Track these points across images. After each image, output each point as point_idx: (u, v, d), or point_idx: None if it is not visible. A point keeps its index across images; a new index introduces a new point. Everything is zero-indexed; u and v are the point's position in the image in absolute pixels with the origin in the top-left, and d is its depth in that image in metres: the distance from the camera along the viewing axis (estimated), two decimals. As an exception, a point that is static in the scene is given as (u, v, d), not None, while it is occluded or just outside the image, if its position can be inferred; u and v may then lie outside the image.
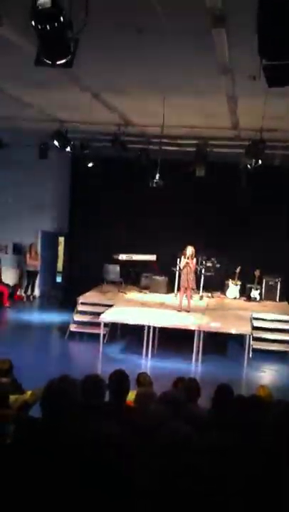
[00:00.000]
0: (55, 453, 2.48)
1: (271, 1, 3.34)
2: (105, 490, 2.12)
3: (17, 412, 4.64)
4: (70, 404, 3.01)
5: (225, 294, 14.35)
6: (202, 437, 2.62)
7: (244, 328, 11.00)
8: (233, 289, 14.17)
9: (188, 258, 12.18)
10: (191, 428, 2.48)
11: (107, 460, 2.20)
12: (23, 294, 16.12)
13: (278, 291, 13.90)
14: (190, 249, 12.20)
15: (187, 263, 12.18)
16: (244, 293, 14.16)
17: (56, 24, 3.65)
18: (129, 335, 11.75)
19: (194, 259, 12.39)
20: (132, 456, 2.32)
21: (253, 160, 10.61)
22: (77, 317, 12.49)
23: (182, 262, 12.36)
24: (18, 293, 16.13)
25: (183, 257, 12.32)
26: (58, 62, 3.97)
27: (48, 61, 3.98)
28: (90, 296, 13.18)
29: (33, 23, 3.69)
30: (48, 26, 3.64)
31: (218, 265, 13.94)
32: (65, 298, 15.13)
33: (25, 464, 2.44)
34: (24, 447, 2.61)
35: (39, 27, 3.67)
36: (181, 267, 12.41)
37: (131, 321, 11.20)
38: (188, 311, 12.01)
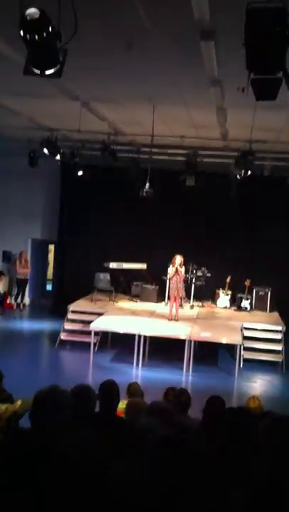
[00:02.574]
0: (42, 464, 2.46)
1: (259, 15, 3.38)
2: (89, 502, 2.11)
3: (6, 423, 4.60)
4: (59, 414, 2.99)
5: (215, 304, 14.36)
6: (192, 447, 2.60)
7: (235, 338, 11.00)
8: (224, 298, 14.19)
9: (176, 267, 12.19)
10: (182, 436, 2.47)
11: (90, 472, 2.19)
12: (13, 302, 16.05)
13: (268, 301, 13.91)
14: (179, 258, 12.20)
15: (176, 272, 12.19)
16: (234, 302, 14.18)
17: (45, 34, 3.65)
18: (120, 344, 11.71)
19: (183, 268, 12.38)
20: (114, 467, 2.31)
21: (243, 170, 10.67)
22: (67, 325, 12.44)
23: (171, 270, 12.35)
24: (8, 301, 16.06)
25: (172, 265, 12.32)
26: (47, 72, 3.97)
27: (36, 71, 3.98)
28: (80, 305, 13.14)
29: (21, 33, 3.69)
30: (36, 36, 3.64)
31: (208, 274, 13.95)
32: (55, 306, 15.07)
33: (11, 475, 2.41)
34: (11, 458, 2.58)
35: (27, 37, 3.67)
36: (170, 276, 12.41)
37: (121, 330, 11.16)
38: (177, 320, 12.00)
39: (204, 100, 8.03)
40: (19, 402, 5.02)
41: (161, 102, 8.61)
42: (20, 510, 2.27)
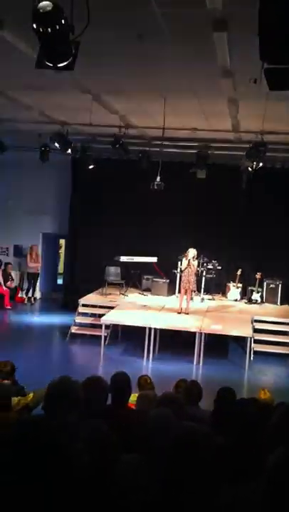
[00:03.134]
0: (55, 454, 2.46)
1: (273, 4, 3.35)
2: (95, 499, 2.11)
3: (18, 415, 4.64)
4: (71, 405, 3.00)
5: (226, 297, 14.33)
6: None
7: (245, 331, 10.99)
8: (234, 291, 14.16)
9: (189, 260, 12.17)
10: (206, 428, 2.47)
11: (97, 467, 2.19)
12: (24, 296, 16.13)
13: (279, 294, 13.87)
14: (192, 252, 12.19)
15: (188, 265, 12.17)
16: (245, 295, 14.15)
17: (57, 27, 3.65)
18: (130, 337, 11.75)
19: (196, 262, 12.37)
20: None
21: (254, 162, 10.62)
22: (78, 319, 12.50)
23: (183, 263, 12.34)
24: (19, 295, 16.14)
25: (184, 258, 12.30)
26: (59, 65, 3.97)
27: (49, 64, 3.98)
28: (91, 298, 13.18)
29: (34, 26, 3.69)
30: (49, 29, 3.64)
31: (219, 267, 13.93)
32: (66, 300, 15.14)
33: (21, 467, 2.43)
34: (19, 450, 2.59)
35: (40, 30, 3.67)
36: (183, 269, 12.39)
37: (132, 323, 11.19)
38: (188, 313, 12.00)
39: (216, 92, 7.98)
40: (31, 395, 5.06)
41: (172, 94, 8.58)
42: (31, 503, 2.27)
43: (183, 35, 5.77)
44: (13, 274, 16.20)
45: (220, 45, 5.73)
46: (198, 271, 13.16)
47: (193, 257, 12.20)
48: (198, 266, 13.05)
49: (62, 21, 3.68)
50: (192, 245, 12.33)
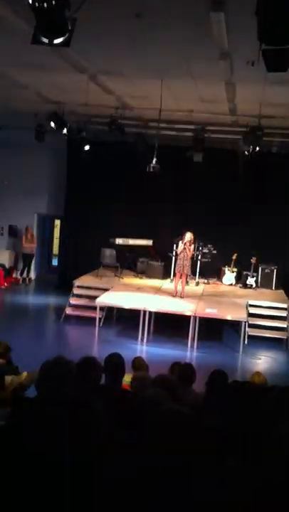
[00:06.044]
0: (49, 434, 2.48)
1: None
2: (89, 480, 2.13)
3: (11, 394, 4.67)
4: (65, 385, 3.01)
5: (221, 281, 14.36)
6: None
7: (240, 315, 11.03)
8: (230, 275, 14.18)
9: (186, 243, 12.12)
10: (189, 410, 2.48)
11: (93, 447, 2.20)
12: (19, 277, 16.13)
13: (274, 279, 13.90)
14: (189, 235, 12.11)
15: (184, 248, 12.13)
16: (240, 280, 14.17)
17: (54, 2, 3.59)
18: (125, 320, 11.78)
19: (192, 246, 12.31)
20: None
21: (251, 146, 10.56)
22: (73, 300, 12.51)
23: (180, 247, 12.29)
24: (13, 275, 16.13)
25: (181, 242, 12.25)
26: (56, 41, 3.91)
27: (44, 40, 3.92)
28: (86, 280, 13.18)
29: (30, 1, 3.63)
30: (45, 4, 3.58)
31: (214, 251, 13.93)
32: (61, 281, 15.14)
33: (20, 445, 2.45)
34: (19, 428, 2.61)
35: (36, 5, 3.61)
36: (178, 252, 12.36)
37: (127, 306, 11.21)
38: (182, 297, 12.01)
39: (213, 74, 7.92)
40: (25, 374, 5.10)
41: (169, 75, 8.49)
42: (27, 481, 2.29)
43: (181, 15, 5.68)
44: (8, 254, 16.20)
45: (218, 26, 5.65)
46: (193, 255, 13.15)
47: (190, 241, 12.13)
48: (193, 250, 13.02)
49: (59, -4, 3.62)
50: (188, 229, 12.26)
